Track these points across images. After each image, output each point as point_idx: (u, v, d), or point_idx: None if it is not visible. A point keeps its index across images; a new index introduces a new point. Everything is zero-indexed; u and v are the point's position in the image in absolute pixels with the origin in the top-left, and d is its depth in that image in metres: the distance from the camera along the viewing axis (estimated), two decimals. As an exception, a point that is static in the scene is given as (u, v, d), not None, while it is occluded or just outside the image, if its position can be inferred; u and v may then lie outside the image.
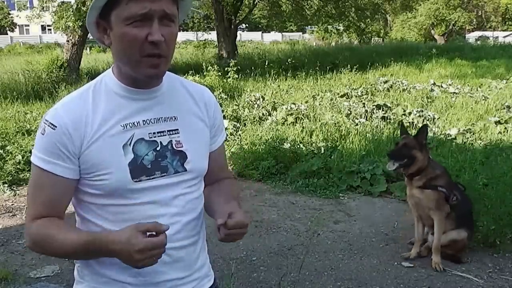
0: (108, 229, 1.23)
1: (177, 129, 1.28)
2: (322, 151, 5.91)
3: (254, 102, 8.78)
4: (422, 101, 9.37)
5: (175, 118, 1.28)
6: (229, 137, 6.61)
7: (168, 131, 1.27)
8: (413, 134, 3.80)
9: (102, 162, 1.20)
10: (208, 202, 1.38)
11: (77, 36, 12.14)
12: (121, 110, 1.23)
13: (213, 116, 1.38)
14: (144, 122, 1.24)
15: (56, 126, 1.18)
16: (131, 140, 1.22)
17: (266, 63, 13.44)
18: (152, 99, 1.26)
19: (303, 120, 7.50)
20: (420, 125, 7.16)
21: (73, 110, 1.20)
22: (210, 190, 1.41)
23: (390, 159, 3.65)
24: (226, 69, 11.41)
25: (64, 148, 1.18)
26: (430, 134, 6.45)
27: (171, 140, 1.27)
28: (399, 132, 4.04)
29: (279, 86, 10.82)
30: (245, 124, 7.34)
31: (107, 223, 1.24)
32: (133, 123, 1.23)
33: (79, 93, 1.25)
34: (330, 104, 8.89)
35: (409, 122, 7.44)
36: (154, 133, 1.25)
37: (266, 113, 8.08)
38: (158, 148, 1.25)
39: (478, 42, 28.69)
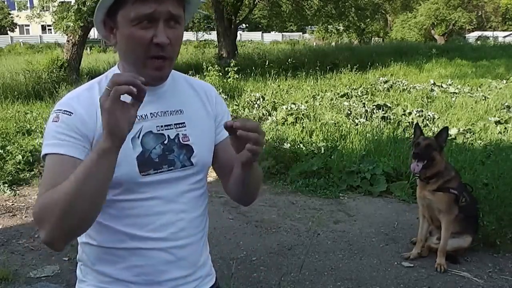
0: (111, 226, 1.22)
1: (184, 122, 1.28)
2: (322, 151, 5.91)
3: (254, 102, 8.79)
4: (422, 101, 9.38)
5: (181, 112, 1.28)
6: (229, 137, 6.60)
7: (175, 124, 1.26)
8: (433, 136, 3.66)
9: None
10: (233, 183, 1.34)
11: (77, 36, 12.14)
12: None
13: (215, 107, 1.38)
14: (152, 115, 1.24)
15: (72, 113, 1.17)
16: (140, 133, 1.21)
17: (266, 63, 13.43)
18: (158, 93, 1.26)
19: (303, 120, 7.50)
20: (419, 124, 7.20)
21: (84, 101, 1.20)
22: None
23: (415, 160, 3.47)
24: (226, 69, 11.40)
25: (81, 132, 1.16)
26: (429, 134, 6.46)
27: (178, 134, 1.26)
28: (412, 132, 3.88)
29: (279, 86, 10.81)
30: (245, 124, 7.33)
31: (111, 219, 1.21)
32: (141, 116, 1.21)
33: (86, 87, 1.25)
34: (330, 104, 8.90)
35: (409, 122, 7.45)
36: (161, 126, 1.24)
37: (266, 113, 8.09)
38: (165, 142, 1.24)
39: (478, 42, 28.73)
